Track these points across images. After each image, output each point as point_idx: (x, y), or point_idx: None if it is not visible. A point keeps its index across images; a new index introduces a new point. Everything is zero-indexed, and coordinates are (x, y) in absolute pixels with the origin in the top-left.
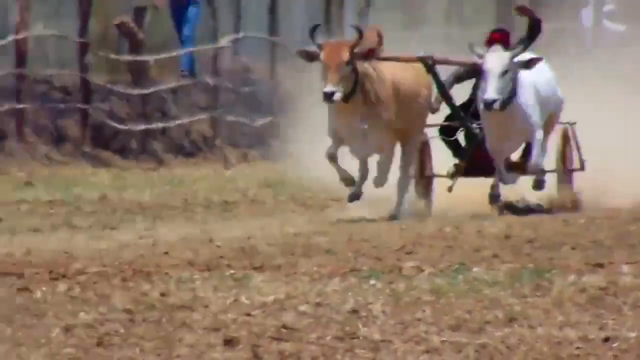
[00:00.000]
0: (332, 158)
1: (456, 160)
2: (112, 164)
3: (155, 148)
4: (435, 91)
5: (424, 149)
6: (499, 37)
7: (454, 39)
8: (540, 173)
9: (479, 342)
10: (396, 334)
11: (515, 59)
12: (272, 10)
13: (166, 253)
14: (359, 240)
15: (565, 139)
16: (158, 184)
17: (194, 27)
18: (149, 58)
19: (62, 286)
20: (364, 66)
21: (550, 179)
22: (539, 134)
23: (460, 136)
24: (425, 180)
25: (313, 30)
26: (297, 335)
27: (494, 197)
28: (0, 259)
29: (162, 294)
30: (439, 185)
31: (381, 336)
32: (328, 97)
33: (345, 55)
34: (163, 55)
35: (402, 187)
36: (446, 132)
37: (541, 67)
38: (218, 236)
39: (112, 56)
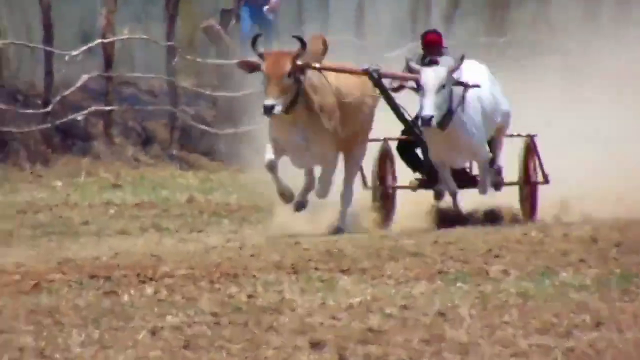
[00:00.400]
0: (272, 168)
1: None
2: (199, 166)
3: (241, 150)
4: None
5: (387, 160)
6: (433, 38)
7: (541, 45)
8: (494, 174)
9: (566, 345)
10: (483, 337)
11: (454, 74)
12: (359, 13)
13: (253, 255)
14: (445, 243)
15: (528, 151)
16: (245, 187)
17: (272, 30)
18: (235, 61)
19: (149, 289)
20: (307, 75)
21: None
22: (484, 152)
23: (418, 150)
24: (387, 191)
25: (254, 40)
26: (383, 338)
27: (438, 193)
28: (88, 261)
29: (249, 297)
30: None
31: (468, 339)
32: (268, 110)
33: (287, 67)
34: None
35: (346, 199)
36: (403, 147)
37: (485, 80)
38: (305, 238)
39: (199, 60)
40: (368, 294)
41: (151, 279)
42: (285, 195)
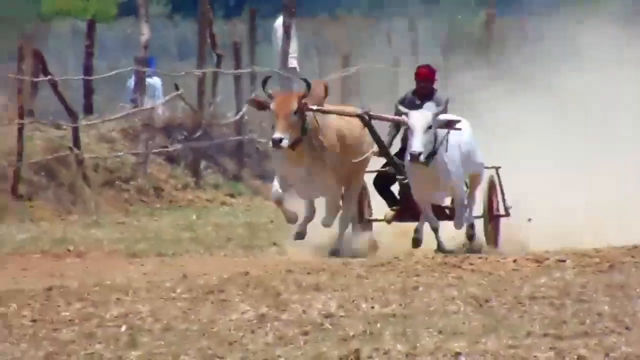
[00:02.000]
0: (279, 201)
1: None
2: None
3: None
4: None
5: (363, 195)
6: (425, 72)
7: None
8: (468, 227)
9: None
10: None
11: (438, 117)
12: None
13: None
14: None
15: (491, 185)
16: None
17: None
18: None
19: None
20: (311, 116)
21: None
22: (461, 190)
23: (394, 187)
24: (364, 223)
25: (265, 81)
26: None
27: (417, 241)
28: None
29: None
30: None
31: None
32: (276, 143)
33: (294, 106)
34: None
35: (342, 223)
36: (380, 184)
37: (465, 129)
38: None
39: None
40: None
41: None
42: (292, 219)
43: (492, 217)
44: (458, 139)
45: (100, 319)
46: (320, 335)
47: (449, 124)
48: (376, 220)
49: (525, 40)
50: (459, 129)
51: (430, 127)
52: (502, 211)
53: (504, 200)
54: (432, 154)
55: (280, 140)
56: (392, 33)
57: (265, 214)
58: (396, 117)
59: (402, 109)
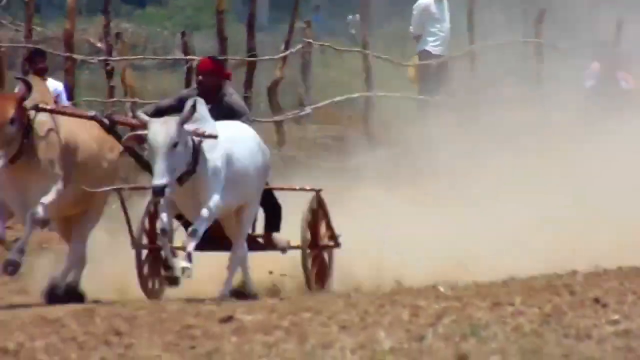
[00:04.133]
0: None
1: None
2: None
3: None
4: None
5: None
6: (208, 66)
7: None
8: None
9: None
10: None
11: (187, 126)
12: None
13: None
14: None
15: (313, 209)
16: None
17: None
18: None
19: None
20: (37, 120)
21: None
22: (210, 210)
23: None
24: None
25: None
26: None
27: (170, 279)
28: None
29: None
30: None
31: None
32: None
33: (10, 113)
34: None
35: (72, 258)
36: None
37: (241, 134)
38: None
39: None
40: None
41: None
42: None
43: (317, 248)
44: (230, 150)
45: None
46: None
47: (201, 134)
48: (177, 248)
49: None
50: (214, 137)
51: (177, 144)
52: (329, 241)
53: (331, 225)
54: (189, 172)
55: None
56: None
57: None
58: (136, 123)
59: (140, 116)
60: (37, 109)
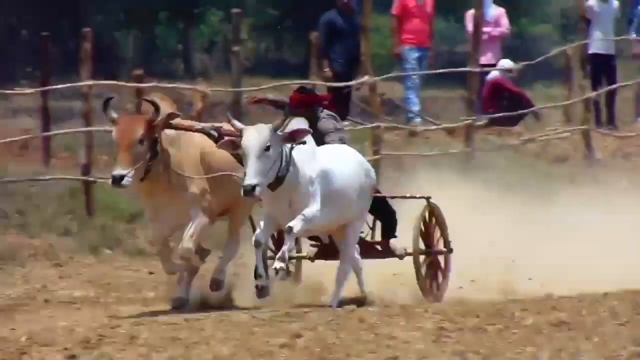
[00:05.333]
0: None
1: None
2: None
3: None
4: None
5: None
6: (299, 99)
7: None
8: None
9: None
10: None
11: (280, 131)
12: None
13: None
14: None
15: (425, 216)
16: None
17: None
18: None
19: None
20: (165, 138)
21: None
22: (307, 215)
23: None
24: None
25: (106, 103)
26: None
27: (260, 288)
28: None
29: None
30: None
31: None
32: (116, 181)
33: (139, 133)
34: None
35: (228, 253)
36: None
37: (342, 155)
38: None
39: None
40: None
41: None
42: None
43: (430, 255)
44: (329, 166)
45: None
46: None
47: (293, 136)
48: (301, 257)
49: None
50: (304, 143)
51: (269, 147)
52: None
53: (445, 234)
54: (280, 179)
55: (122, 177)
56: None
57: None
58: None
59: (236, 124)
60: (166, 126)
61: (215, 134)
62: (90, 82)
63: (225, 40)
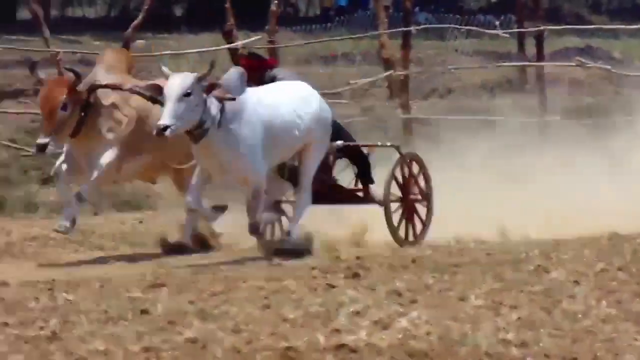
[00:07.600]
0: (58, 177)
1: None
2: None
3: None
4: None
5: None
6: (245, 63)
7: None
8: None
9: None
10: None
11: (204, 82)
12: None
13: None
14: None
15: (402, 164)
16: None
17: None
18: None
19: None
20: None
21: None
22: (257, 177)
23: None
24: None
25: (33, 65)
26: None
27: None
28: None
29: None
30: None
31: None
32: (41, 149)
33: (60, 100)
34: None
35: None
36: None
37: (287, 98)
38: None
39: None
40: None
41: None
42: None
43: (407, 202)
44: (269, 116)
45: None
46: None
47: (209, 89)
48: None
49: None
50: (233, 99)
51: (189, 94)
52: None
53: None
54: (200, 128)
55: (44, 146)
56: None
57: None
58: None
59: (164, 70)
60: (93, 87)
61: (147, 93)
62: None
63: None
